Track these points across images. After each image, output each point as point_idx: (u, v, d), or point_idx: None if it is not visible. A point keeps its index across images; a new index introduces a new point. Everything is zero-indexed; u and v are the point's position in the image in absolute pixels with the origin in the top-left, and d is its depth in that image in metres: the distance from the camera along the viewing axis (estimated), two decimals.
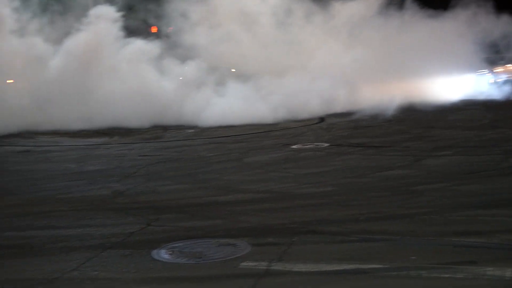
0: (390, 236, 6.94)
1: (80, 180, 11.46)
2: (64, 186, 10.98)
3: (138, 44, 22.76)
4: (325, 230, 7.32)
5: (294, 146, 14.88)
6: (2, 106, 19.87)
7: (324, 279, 5.77)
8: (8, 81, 21.76)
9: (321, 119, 21.31)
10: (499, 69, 28.27)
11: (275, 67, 23.02)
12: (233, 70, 23.97)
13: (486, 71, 27.67)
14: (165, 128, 20.77)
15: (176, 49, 23.20)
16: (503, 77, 28.01)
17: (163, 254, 6.63)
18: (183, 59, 23.20)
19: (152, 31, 26.94)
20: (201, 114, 20.98)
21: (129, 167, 12.87)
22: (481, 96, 25.22)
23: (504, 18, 25.00)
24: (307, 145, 15.03)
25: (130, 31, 23.37)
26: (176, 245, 6.94)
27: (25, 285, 5.83)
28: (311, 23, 24.66)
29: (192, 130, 19.81)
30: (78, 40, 21.80)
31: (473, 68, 26.32)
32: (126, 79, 21.80)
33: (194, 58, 23.17)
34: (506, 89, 25.99)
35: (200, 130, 19.79)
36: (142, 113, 21.00)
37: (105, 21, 22.19)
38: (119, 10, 22.77)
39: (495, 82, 27.49)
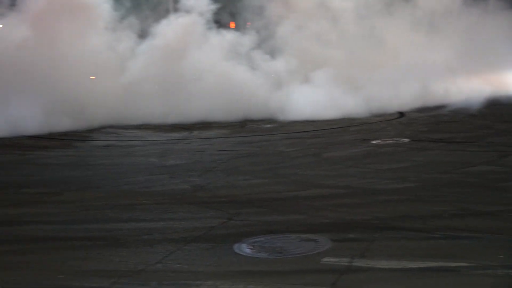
0: (475, 234, 6.75)
1: (162, 174, 11.67)
2: (146, 180, 11.20)
3: (227, 37, 22.81)
4: (407, 226, 7.20)
5: (374, 141, 14.69)
6: (88, 101, 20.35)
7: (408, 276, 5.66)
8: (91, 77, 22.25)
9: (401, 114, 20.96)
10: None
11: (359, 61, 22.68)
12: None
13: None
14: (245, 122, 20.85)
15: (259, 44, 23.16)
16: None
17: (245, 249, 6.67)
18: (266, 53, 23.14)
19: (231, 27, 27.07)
20: (285, 108, 20.86)
21: (209, 161, 13.02)
22: None
23: None
24: (387, 140, 14.82)
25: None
26: (257, 239, 6.97)
27: (111, 276, 5.97)
28: (394, 16, 24.20)
29: (270, 125, 19.85)
30: (166, 33, 21.97)
31: None
32: (212, 73, 21.88)
33: (277, 53, 23.09)
34: None
35: (279, 125, 19.79)
36: (227, 107, 21.06)
37: (194, 13, 22.37)
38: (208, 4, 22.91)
39: None
